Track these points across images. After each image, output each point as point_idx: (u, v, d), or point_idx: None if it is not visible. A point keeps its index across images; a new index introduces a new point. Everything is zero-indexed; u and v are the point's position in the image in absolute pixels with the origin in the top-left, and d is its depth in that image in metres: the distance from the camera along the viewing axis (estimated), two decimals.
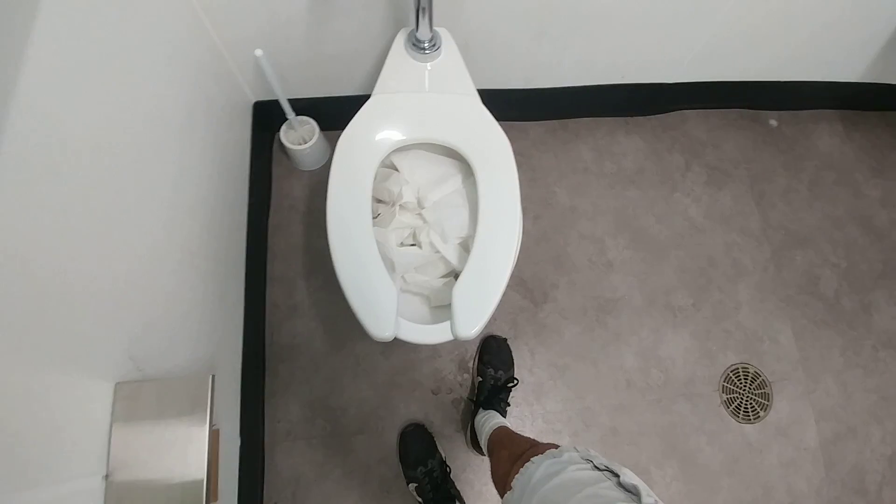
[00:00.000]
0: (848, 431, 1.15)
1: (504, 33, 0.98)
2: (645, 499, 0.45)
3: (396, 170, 0.87)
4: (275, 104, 1.03)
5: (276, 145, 1.20)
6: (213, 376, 0.58)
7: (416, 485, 0.96)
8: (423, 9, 0.76)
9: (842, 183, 1.34)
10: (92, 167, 0.54)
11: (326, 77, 1.05)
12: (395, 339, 0.73)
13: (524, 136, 1.27)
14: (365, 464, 1.02)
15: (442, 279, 0.85)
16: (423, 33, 0.81)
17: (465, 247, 0.84)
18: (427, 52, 0.84)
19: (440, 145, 0.83)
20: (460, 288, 0.73)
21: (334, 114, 1.05)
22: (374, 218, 0.88)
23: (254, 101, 1.10)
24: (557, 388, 1.10)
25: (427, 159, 0.88)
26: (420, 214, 0.87)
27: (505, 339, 1.09)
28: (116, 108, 0.60)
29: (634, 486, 0.46)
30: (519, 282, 1.16)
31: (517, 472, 0.59)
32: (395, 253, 0.83)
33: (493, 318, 1.13)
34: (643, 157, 1.30)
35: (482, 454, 0.97)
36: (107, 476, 0.54)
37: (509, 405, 1.03)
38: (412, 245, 0.88)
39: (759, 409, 1.14)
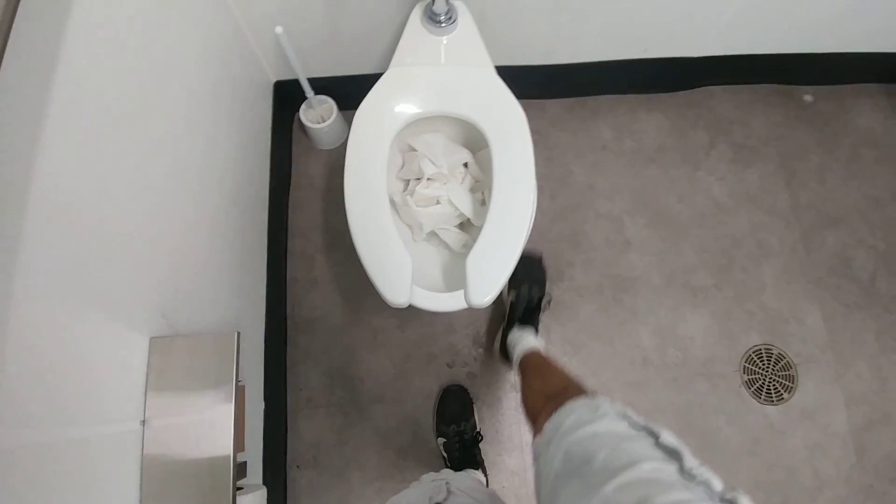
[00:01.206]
0: (882, 418, 1.11)
1: (521, 4, 0.97)
2: (688, 461, 0.39)
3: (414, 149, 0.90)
4: (294, 84, 1.06)
5: (295, 124, 1.23)
6: (239, 333, 0.62)
7: (444, 440, 1.00)
8: None
9: (884, 161, 1.27)
10: (131, 132, 0.58)
11: (344, 56, 1.07)
12: (410, 306, 0.75)
13: (542, 115, 1.26)
14: (383, 431, 1.06)
15: (459, 228, 0.91)
16: (440, 6, 0.82)
17: (480, 201, 0.90)
18: (443, 25, 0.85)
19: (450, 129, 0.86)
20: (474, 257, 0.75)
21: (352, 93, 1.07)
22: (403, 192, 0.91)
23: (274, 80, 1.13)
24: (572, 365, 1.11)
25: (439, 141, 0.90)
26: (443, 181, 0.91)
27: (540, 258, 1.07)
28: (152, 81, 0.63)
29: (675, 449, 0.41)
30: None
31: (548, 417, 0.54)
32: (422, 214, 0.86)
33: None
34: (665, 134, 1.27)
35: (508, 364, 0.96)
36: (144, 421, 0.58)
37: (541, 322, 1.04)
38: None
39: (782, 391, 1.11)
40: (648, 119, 1.28)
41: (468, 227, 0.92)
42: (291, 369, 1.09)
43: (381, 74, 0.85)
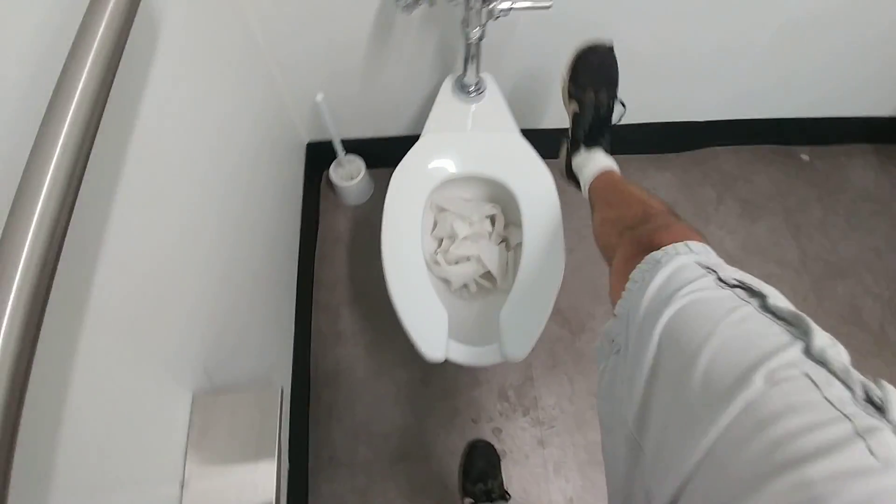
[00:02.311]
0: None
1: (542, 77, 1.05)
2: (817, 337, 0.29)
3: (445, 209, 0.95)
4: (325, 144, 1.12)
5: (324, 182, 1.28)
6: (283, 389, 0.62)
7: (472, 500, 0.96)
8: (472, 56, 0.84)
9: (881, 214, 1.34)
10: (185, 194, 0.61)
11: (375, 119, 1.13)
12: (446, 360, 0.76)
13: (557, 174, 1.32)
14: (407, 492, 1.02)
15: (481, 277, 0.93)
16: (471, 78, 0.89)
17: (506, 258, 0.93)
18: (472, 94, 0.91)
19: (478, 190, 0.92)
20: (508, 311, 0.76)
21: (380, 153, 1.14)
22: (436, 251, 0.94)
23: (307, 141, 1.19)
24: (596, 422, 1.09)
25: (467, 197, 0.97)
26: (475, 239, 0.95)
27: (611, 48, 0.78)
28: (206, 147, 0.67)
29: (794, 315, 0.31)
30: (556, 311, 1.17)
31: (631, 272, 0.42)
32: (452, 272, 0.89)
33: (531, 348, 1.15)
34: (675, 191, 1.33)
35: (577, 187, 0.80)
36: (182, 483, 0.57)
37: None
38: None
39: None
40: (658, 177, 1.34)
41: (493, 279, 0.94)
42: (313, 427, 1.06)
43: (408, 136, 0.91)
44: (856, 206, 1.34)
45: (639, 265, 0.41)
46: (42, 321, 0.30)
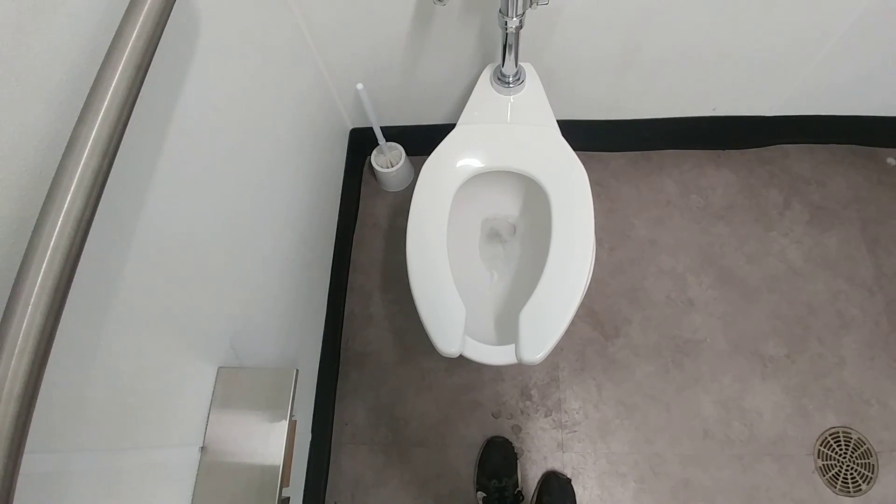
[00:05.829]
0: None
1: (588, 67, 0.99)
2: None
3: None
4: (368, 131, 1.13)
5: (366, 168, 1.31)
6: (297, 371, 0.65)
7: (484, 495, 0.97)
8: (510, 46, 0.81)
9: None
10: (224, 179, 0.64)
11: (415, 107, 1.13)
12: (461, 356, 0.76)
13: (604, 167, 1.26)
14: (422, 477, 1.04)
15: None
16: (509, 68, 0.86)
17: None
18: (511, 85, 0.88)
19: (509, 183, 0.91)
20: (527, 312, 0.74)
21: (420, 140, 1.13)
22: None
23: (351, 127, 1.22)
24: (624, 429, 1.05)
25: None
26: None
27: (569, 480, 1.00)
28: (248, 133, 0.70)
29: None
30: (589, 312, 1.14)
31: None
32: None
33: (560, 348, 1.12)
34: (735, 191, 1.23)
35: None
36: (202, 448, 0.62)
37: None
38: None
39: (860, 481, 1.00)
40: (717, 175, 1.24)
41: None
42: (339, 402, 1.11)
43: (448, 125, 0.89)
44: None
45: None
46: (67, 295, 0.33)
